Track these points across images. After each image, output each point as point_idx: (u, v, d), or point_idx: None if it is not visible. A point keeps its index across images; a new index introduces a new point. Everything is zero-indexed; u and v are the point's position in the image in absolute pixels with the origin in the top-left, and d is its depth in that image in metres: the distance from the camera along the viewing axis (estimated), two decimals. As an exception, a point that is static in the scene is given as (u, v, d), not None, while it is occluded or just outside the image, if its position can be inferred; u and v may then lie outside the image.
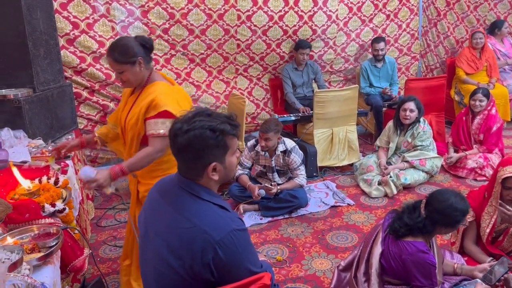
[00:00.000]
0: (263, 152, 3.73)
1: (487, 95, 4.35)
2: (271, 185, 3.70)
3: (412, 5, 5.77)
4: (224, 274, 1.39)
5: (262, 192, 3.61)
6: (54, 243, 1.71)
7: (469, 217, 2.43)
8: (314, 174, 4.45)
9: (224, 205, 1.48)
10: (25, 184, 2.13)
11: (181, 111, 1.97)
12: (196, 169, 1.46)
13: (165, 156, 2.18)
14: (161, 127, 2.09)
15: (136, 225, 2.32)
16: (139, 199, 2.32)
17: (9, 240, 1.71)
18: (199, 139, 1.40)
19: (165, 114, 2.09)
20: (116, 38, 2.17)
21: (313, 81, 5.24)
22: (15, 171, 2.15)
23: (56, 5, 3.89)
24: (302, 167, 3.74)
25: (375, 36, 5.55)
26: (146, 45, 2.20)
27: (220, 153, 1.45)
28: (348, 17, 5.38)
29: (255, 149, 3.78)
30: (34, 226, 1.85)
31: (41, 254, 1.64)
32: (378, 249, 2.20)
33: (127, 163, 2.12)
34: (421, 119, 4.16)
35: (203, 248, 1.35)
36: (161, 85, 2.22)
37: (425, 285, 2.05)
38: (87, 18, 4.14)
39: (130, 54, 2.14)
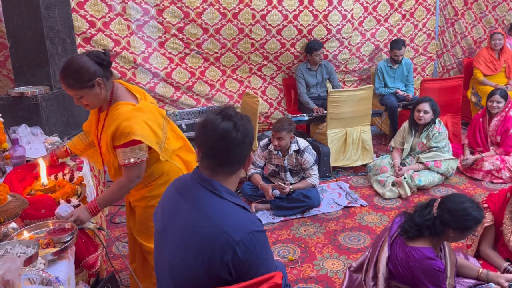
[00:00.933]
0: (276, 152, 3.72)
1: (505, 96, 4.28)
2: (284, 183, 3.70)
3: (429, 4, 5.69)
4: (241, 274, 1.39)
5: (277, 192, 3.60)
6: (69, 239, 1.73)
7: (488, 221, 2.39)
8: (327, 174, 4.43)
9: (245, 205, 1.47)
10: (42, 179, 2.16)
11: (151, 131, 1.97)
12: (235, 162, 1.48)
13: (146, 172, 2.10)
14: (131, 156, 1.96)
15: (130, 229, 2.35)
16: (132, 207, 2.29)
17: (25, 235, 1.74)
18: (243, 134, 1.44)
19: (133, 142, 1.94)
20: (66, 60, 1.94)
21: (327, 81, 5.21)
22: (42, 165, 2.19)
23: (73, 4, 3.94)
24: (315, 167, 3.73)
25: (390, 35, 5.50)
26: (103, 63, 1.94)
27: (249, 150, 1.52)
28: (364, 16, 5.34)
29: (268, 148, 3.78)
30: (50, 221, 1.88)
31: (56, 249, 1.66)
32: (385, 254, 2.18)
33: (101, 199, 2.02)
34: (437, 120, 4.11)
35: (223, 247, 1.35)
36: (122, 108, 1.99)
37: None
38: (103, 16, 4.19)
39: (86, 78, 1.88)
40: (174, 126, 2.27)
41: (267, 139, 3.84)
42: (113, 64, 4.26)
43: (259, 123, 4.48)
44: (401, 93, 5.18)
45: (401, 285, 2.16)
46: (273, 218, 3.63)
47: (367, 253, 2.40)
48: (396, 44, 5.11)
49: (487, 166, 4.25)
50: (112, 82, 2.03)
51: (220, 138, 1.41)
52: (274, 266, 1.48)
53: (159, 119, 2.11)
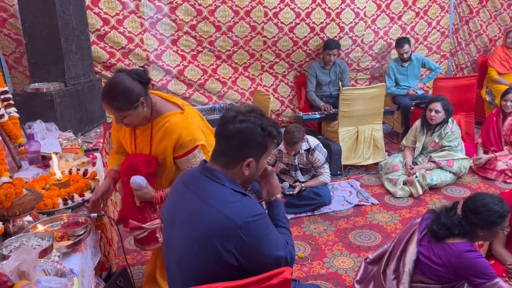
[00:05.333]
0: (286, 151, 3.73)
1: (519, 95, 4.23)
2: (293, 183, 3.71)
3: (443, 2, 5.63)
4: (248, 258, 1.42)
5: (286, 184, 3.62)
6: (83, 232, 1.76)
7: None
8: (338, 172, 4.42)
9: (244, 191, 1.51)
10: (57, 174, 2.20)
11: (203, 134, 2.08)
12: (233, 158, 1.51)
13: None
14: (194, 161, 2.06)
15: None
16: None
17: (40, 228, 1.78)
18: (249, 132, 1.47)
19: (193, 149, 2.05)
20: (110, 81, 1.93)
21: (339, 79, 5.20)
22: (55, 160, 2.24)
23: (87, 2, 3.99)
24: (326, 165, 3.72)
25: (403, 33, 5.46)
26: (143, 81, 1.95)
27: (259, 152, 1.53)
28: (376, 14, 5.30)
29: (279, 147, 3.78)
30: (64, 215, 1.92)
31: (70, 242, 1.70)
32: (412, 249, 2.19)
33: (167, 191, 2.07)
34: (450, 119, 4.07)
35: (226, 233, 1.39)
36: (174, 119, 2.04)
37: (484, 282, 2.01)
38: (117, 14, 4.23)
39: (132, 99, 1.91)
40: (206, 122, 2.33)
41: (278, 137, 3.84)
42: (126, 61, 4.33)
43: (270, 120, 4.48)
44: (411, 92, 5.16)
45: (426, 279, 2.16)
46: (283, 216, 3.64)
47: (385, 246, 2.40)
48: (398, 43, 5.12)
49: (500, 165, 4.20)
50: (150, 100, 2.04)
51: (222, 126, 1.51)
52: (283, 244, 1.51)
53: (202, 121, 2.20)
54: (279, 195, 1.75)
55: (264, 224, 1.46)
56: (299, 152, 3.69)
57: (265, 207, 3.82)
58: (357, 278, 2.50)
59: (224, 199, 1.45)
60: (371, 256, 2.49)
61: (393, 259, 2.27)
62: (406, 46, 5.06)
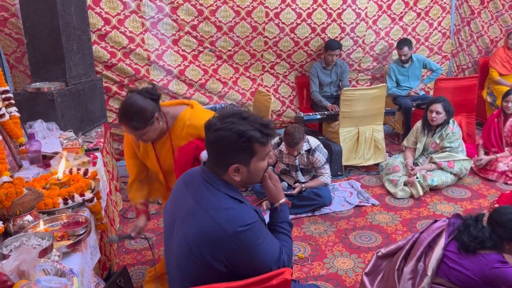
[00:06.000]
0: (287, 151, 3.72)
1: (521, 96, 4.22)
2: (294, 183, 3.70)
3: (445, 3, 5.63)
4: (238, 266, 1.41)
5: (285, 184, 3.63)
6: (83, 232, 1.76)
7: None
8: (339, 173, 4.41)
9: (241, 198, 1.50)
10: (58, 173, 2.20)
11: None
12: (219, 165, 1.50)
13: None
14: None
15: None
16: None
17: (41, 227, 1.78)
18: (225, 140, 1.43)
19: None
20: (124, 103, 2.05)
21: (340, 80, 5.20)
22: (63, 160, 2.24)
23: (89, 1, 3.99)
24: (327, 166, 3.72)
25: (404, 34, 5.46)
26: (154, 97, 2.07)
27: (244, 157, 1.47)
28: (378, 15, 5.30)
29: (279, 147, 3.78)
30: (64, 214, 1.91)
31: (70, 241, 1.69)
32: (438, 253, 2.17)
33: None
34: (451, 120, 4.07)
35: (217, 241, 1.38)
36: (187, 114, 2.18)
37: None
38: (118, 14, 4.23)
39: (148, 117, 2.02)
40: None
41: (278, 137, 3.84)
42: (127, 61, 4.33)
43: (271, 121, 4.48)
44: (413, 94, 5.16)
45: (447, 283, 2.16)
46: (284, 216, 3.64)
47: (400, 242, 2.39)
48: (398, 45, 5.13)
49: (501, 167, 4.19)
50: (162, 112, 2.14)
51: (205, 134, 1.50)
52: (277, 254, 1.48)
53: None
54: (282, 200, 1.71)
55: (256, 234, 1.42)
56: (299, 152, 3.68)
57: (265, 208, 3.82)
58: (366, 270, 2.46)
59: (218, 205, 1.44)
60: (383, 250, 2.47)
61: (412, 258, 2.25)
62: (406, 49, 5.06)
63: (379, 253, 2.47)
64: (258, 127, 1.45)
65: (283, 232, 1.66)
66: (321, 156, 3.66)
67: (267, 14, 4.77)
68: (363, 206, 3.80)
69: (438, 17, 5.66)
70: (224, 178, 1.50)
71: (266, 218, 3.87)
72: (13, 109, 2.58)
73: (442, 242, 2.19)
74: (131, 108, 2.00)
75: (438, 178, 4.00)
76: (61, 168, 2.23)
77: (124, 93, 4.39)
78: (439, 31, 5.75)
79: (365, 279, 2.44)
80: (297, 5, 4.84)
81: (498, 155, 4.28)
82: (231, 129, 1.42)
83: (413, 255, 2.26)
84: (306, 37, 5.02)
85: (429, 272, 2.16)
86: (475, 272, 2.07)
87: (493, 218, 2.12)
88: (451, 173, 4.05)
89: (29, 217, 1.79)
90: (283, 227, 1.67)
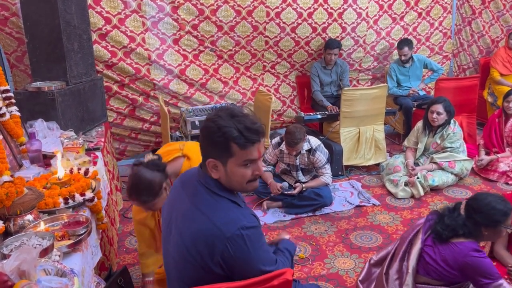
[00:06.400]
0: (287, 151, 3.72)
1: (521, 96, 4.21)
2: (294, 183, 3.70)
3: (446, 3, 5.62)
4: (234, 270, 1.40)
5: (286, 184, 3.62)
6: (83, 231, 1.76)
7: None
8: (340, 173, 4.41)
9: (238, 201, 1.49)
10: (59, 173, 2.20)
11: None
12: (203, 159, 1.50)
13: None
14: None
15: None
16: None
17: (41, 227, 1.78)
18: (205, 131, 1.45)
19: None
20: (132, 179, 2.09)
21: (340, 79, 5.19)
22: (59, 157, 2.23)
23: (89, 0, 3.98)
24: (328, 166, 3.72)
25: (405, 34, 5.46)
26: (160, 168, 2.10)
27: (220, 154, 1.43)
28: (379, 15, 5.29)
29: (280, 147, 3.77)
30: (64, 214, 1.91)
31: (71, 241, 1.69)
32: (416, 249, 2.19)
33: None
34: (452, 120, 4.06)
35: (214, 243, 1.37)
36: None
37: (490, 283, 2.01)
38: (119, 13, 4.23)
39: (156, 190, 2.06)
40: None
41: (279, 137, 3.83)
42: (128, 61, 4.32)
43: (271, 121, 4.48)
44: (411, 92, 5.15)
45: (433, 281, 2.16)
46: (284, 216, 3.64)
47: (389, 248, 2.40)
48: (398, 44, 5.12)
49: (502, 167, 4.19)
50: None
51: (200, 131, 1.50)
52: (272, 261, 1.48)
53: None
54: (286, 236, 1.77)
55: (253, 237, 1.41)
56: (300, 152, 3.68)
57: (265, 207, 3.82)
58: (360, 278, 2.50)
59: (215, 208, 1.43)
60: (375, 257, 2.48)
61: (396, 259, 2.26)
62: (406, 49, 5.05)
63: (371, 261, 2.47)
64: (240, 127, 1.39)
65: (282, 252, 1.67)
66: (322, 156, 3.65)
67: (268, 14, 4.76)
68: (364, 206, 3.80)
69: (439, 17, 5.66)
70: (217, 178, 1.48)
71: (267, 218, 3.86)
72: (14, 109, 2.57)
73: (419, 238, 2.21)
74: (139, 184, 2.04)
75: (439, 178, 3.99)
76: (59, 167, 2.22)
77: (124, 92, 4.39)
78: (440, 31, 5.74)
79: (360, 286, 2.45)
80: (298, 4, 4.83)
81: (499, 155, 4.28)
82: (214, 121, 1.42)
83: (396, 255, 2.27)
84: (307, 36, 5.01)
85: (410, 270, 2.16)
86: (449, 263, 2.07)
87: (469, 205, 2.13)
88: (452, 173, 4.05)
89: (29, 217, 1.79)
90: (282, 250, 1.68)
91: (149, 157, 2.14)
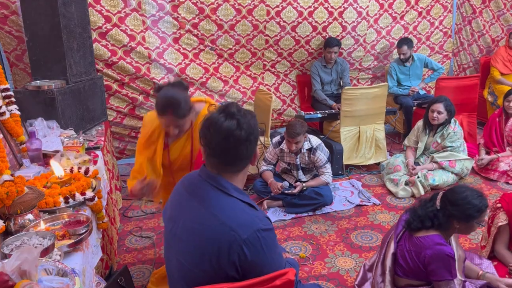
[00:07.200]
0: (288, 150, 3.71)
1: (522, 96, 4.21)
2: (295, 182, 3.69)
3: (446, 2, 5.61)
4: (248, 272, 1.38)
5: (286, 183, 3.61)
6: (84, 231, 1.75)
7: (502, 221, 2.37)
8: (340, 172, 4.41)
9: (252, 203, 1.47)
10: (58, 172, 2.19)
11: None
12: (240, 162, 1.45)
13: None
14: None
15: None
16: None
17: (42, 226, 1.77)
18: (256, 132, 1.45)
19: None
20: (165, 95, 2.10)
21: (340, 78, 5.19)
22: (55, 162, 2.23)
23: (89, -1, 3.97)
24: (328, 165, 3.71)
25: (405, 33, 5.45)
26: (186, 88, 2.19)
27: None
28: (379, 14, 5.28)
29: (280, 146, 3.77)
30: (65, 213, 1.90)
31: (72, 241, 1.68)
32: (391, 251, 2.19)
33: None
34: (452, 120, 4.05)
35: (230, 246, 1.34)
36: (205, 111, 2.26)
37: (445, 277, 2.01)
38: (119, 12, 4.21)
39: (189, 106, 2.13)
40: None
41: (279, 136, 3.83)
42: (128, 59, 4.31)
43: (271, 120, 4.47)
44: (410, 92, 5.15)
45: (413, 281, 2.15)
46: (284, 215, 3.63)
47: (378, 252, 2.40)
48: (399, 43, 5.12)
49: (502, 166, 4.18)
50: None
51: (224, 138, 1.38)
52: (283, 265, 1.48)
53: None
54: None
55: (269, 240, 1.39)
56: (300, 151, 3.67)
57: (266, 207, 3.82)
58: (356, 282, 2.52)
59: (230, 211, 1.40)
60: (368, 262, 2.49)
61: (378, 263, 2.27)
62: (405, 48, 5.04)
63: (366, 266, 2.48)
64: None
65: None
66: (322, 155, 3.65)
67: (268, 13, 4.75)
68: (364, 205, 3.79)
69: (439, 16, 5.65)
70: (232, 179, 1.46)
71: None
72: (14, 107, 2.57)
73: (392, 238, 2.21)
74: (174, 98, 2.07)
75: (440, 177, 3.99)
76: (56, 169, 2.22)
77: (124, 91, 4.38)
78: (440, 30, 5.74)
79: None
80: (298, 3, 4.82)
81: (499, 154, 4.27)
82: (253, 117, 1.47)
83: (379, 260, 2.28)
84: (307, 35, 5.00)
85: (387, 270, 2.16)
86: (414, 260, 2.07)
87: (446, 196, 2.10)
88: (452, 172, 4.05)
89: (30, 216, 1.78)
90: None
91: (173, 78, 2.18)
